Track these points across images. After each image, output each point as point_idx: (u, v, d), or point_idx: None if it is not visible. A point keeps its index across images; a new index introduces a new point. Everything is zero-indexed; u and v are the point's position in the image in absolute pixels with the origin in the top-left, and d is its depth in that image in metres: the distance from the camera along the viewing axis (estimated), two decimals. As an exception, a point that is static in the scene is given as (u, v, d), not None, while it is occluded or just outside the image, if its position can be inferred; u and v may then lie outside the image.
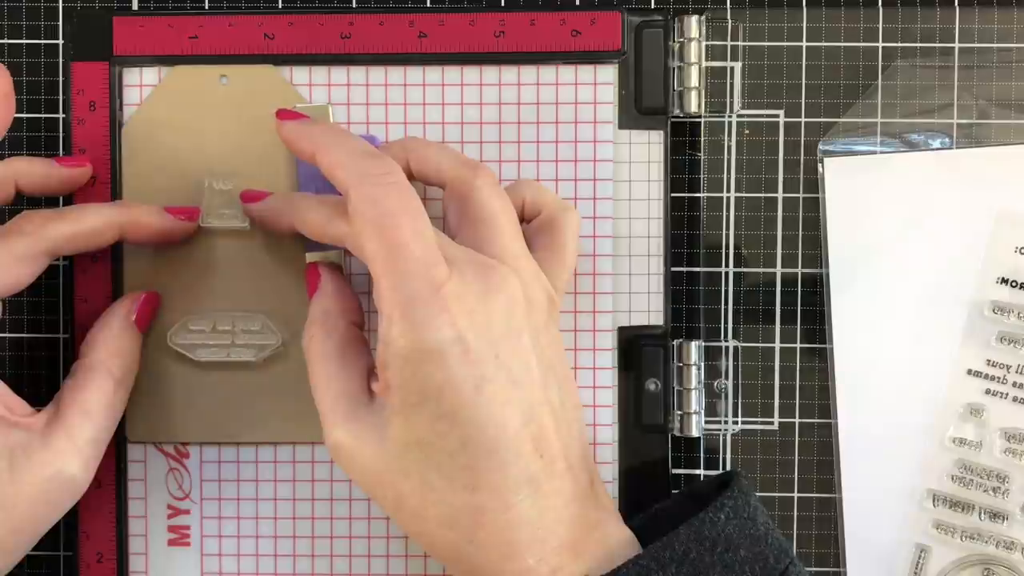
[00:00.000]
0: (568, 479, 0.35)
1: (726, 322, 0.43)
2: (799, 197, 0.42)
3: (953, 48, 0.42)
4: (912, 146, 0.42)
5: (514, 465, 0.34)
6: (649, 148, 0.42)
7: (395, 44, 0.41)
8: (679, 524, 0.35)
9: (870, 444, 0.42)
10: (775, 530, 0.36)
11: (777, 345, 0.43)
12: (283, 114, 0.39)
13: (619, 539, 0.36)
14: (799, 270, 0.43)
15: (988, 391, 0.42)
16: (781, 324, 0.43)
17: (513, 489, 0.34)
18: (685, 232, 0.43)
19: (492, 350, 0.34)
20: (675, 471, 0.43)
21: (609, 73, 0.41)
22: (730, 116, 0.43)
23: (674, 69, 0.42)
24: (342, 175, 0.35)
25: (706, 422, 0.43)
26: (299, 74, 0.42)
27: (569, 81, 0.41)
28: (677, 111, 0.42)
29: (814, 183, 0.42)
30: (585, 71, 0.41)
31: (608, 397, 0.42)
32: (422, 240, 0.34)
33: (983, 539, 0.42)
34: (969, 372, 0.42)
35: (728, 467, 0.43)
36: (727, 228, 0.43)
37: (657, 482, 0.42)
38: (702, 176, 0.43)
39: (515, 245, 0.37)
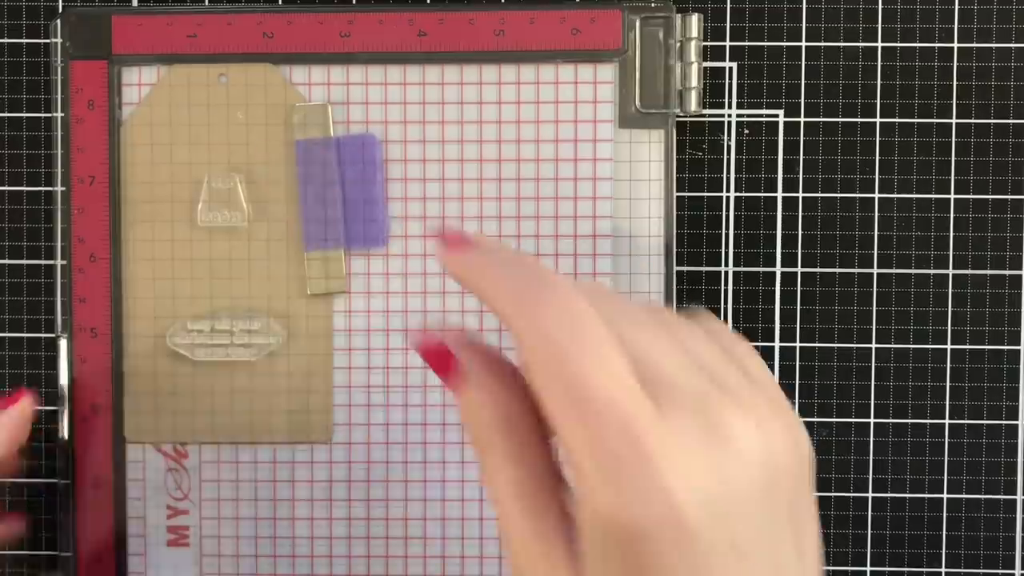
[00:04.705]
0: None
1: (726, 322, 0.43)
2: (798, 197, 0.42)
3: (953, 48, 0.42)
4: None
5: None
6: (649, 147, 0.42)
7: (394, 43, 0.41)
8: None
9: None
10: None
11: (777, 345, 0.43)
12: (450, 244, 0.29)
13: None
14: (799, 270, 0.42)
15: None
16: (781, 324, 0.43)
17: None
18: (685, 232, 0.43)
19: (725, 533, 0.24)
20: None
21: (609, 71, 0.41)
22: (730, 115, 0.43)
23: (674, 68, 0.42)
24: (502, 307, 0.26)
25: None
26: (298, 73, 0.42)
27: (569, 79, 0.41)
28: (677, 110, 0.42)
29: (814, 183, 0.42)
30: (585, 69, 0.41)
31: (608, 397, 0.42)
32: (612, 377, 0.25)
33: None
34: None
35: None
36: (727, 228, 0.43)
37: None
38: (702, 176, 0.43)
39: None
